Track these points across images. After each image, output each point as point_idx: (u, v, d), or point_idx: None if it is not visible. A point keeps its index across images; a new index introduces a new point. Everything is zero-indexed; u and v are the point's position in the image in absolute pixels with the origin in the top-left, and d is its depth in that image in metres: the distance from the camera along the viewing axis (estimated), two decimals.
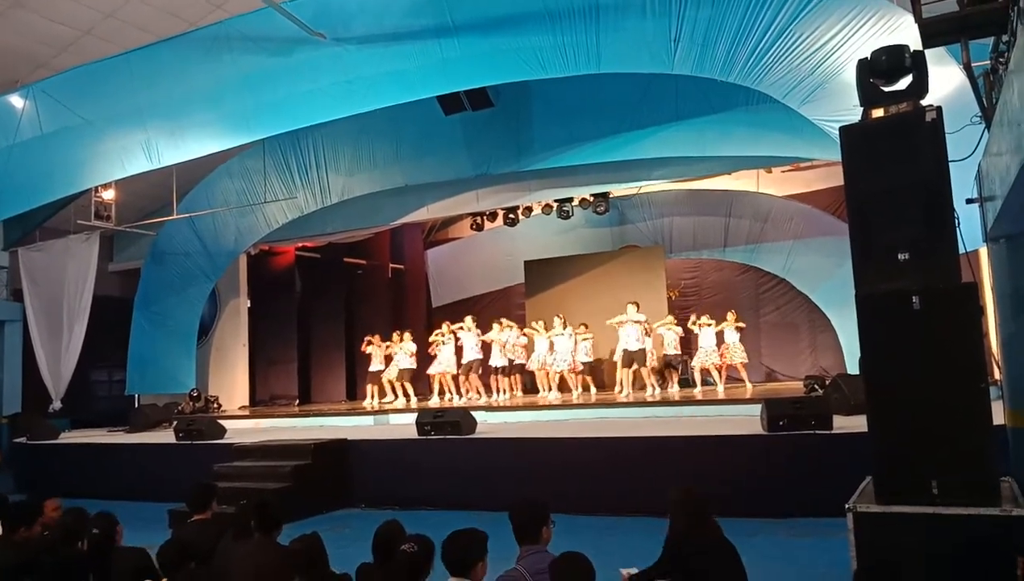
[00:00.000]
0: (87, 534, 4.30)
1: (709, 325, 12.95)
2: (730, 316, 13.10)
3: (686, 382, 13.53)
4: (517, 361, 13.71)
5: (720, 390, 12.59)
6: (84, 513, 4.60)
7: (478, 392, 13.62)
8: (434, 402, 13.41)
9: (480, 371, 13.66)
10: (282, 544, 4.20)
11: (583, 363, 13.24)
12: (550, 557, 3.37)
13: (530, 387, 14.24)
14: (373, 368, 14.21)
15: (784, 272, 14.92)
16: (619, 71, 9.07)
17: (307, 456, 9.55)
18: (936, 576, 3.69)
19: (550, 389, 13.34)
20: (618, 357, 12.85)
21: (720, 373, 12.87)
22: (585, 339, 13.32)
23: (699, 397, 11.93)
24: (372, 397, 14.15)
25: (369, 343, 14.31)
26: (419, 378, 14.46)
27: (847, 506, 3.97)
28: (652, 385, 12.59)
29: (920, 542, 3.77)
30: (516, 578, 3.28)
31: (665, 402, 11.47)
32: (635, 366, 12.45)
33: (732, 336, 12.91)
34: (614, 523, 7.57)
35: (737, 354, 12.88)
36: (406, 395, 14.00)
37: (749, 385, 12.94)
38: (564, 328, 13.20)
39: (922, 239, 4.00)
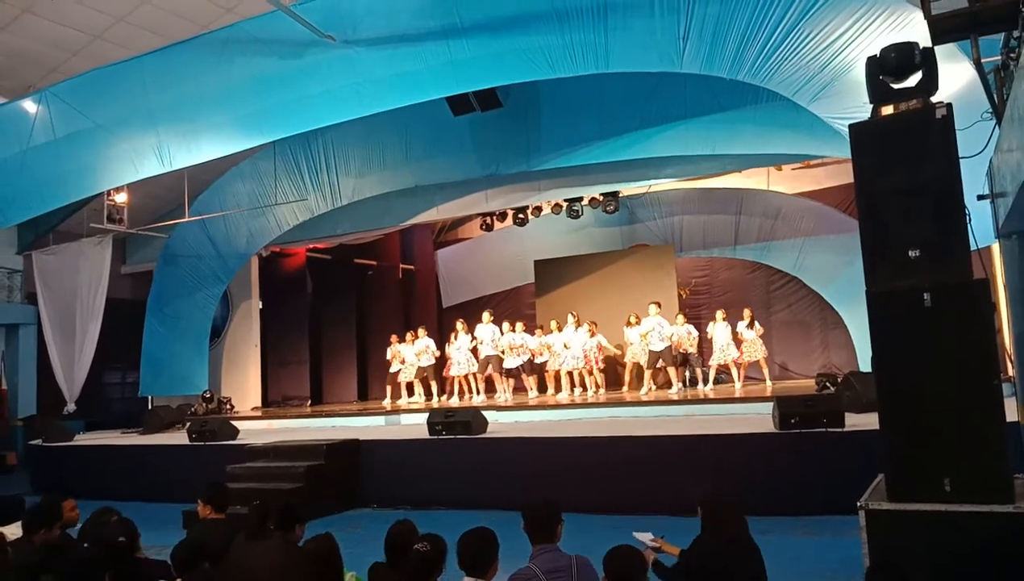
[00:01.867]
0: (113, 540, 4.35)
1: (723, 319, 12.89)
2: (746, 313, 13.01)
3: (694, 381, 13.47)
4: (536, 360, 13.71)
5: (738, 387, 12.57)
6: (112, 512, 4.65)
7: (493, 390, 13.65)
8: (454, 402, 13.48)
9: (499, 370, 13.68)
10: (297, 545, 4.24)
11: (599, 358, 13.26)
12: (563, 556, 3.39)
13: (545, 386, 14.29)
14: (393, 369, 14.38)
15: (795, 270, 14.86)
16: (628, 70, 9.05)
17: (320, 456, 9.58)
18: (949, 574, 3.68)
19: (573, 387, 13.35)
20: (638, 359, 12.88)
21: (739, 370, 12.81)
22: (597, 339, 13.33)
23: (712, 396, 11.92)
24: (392, 397, 14.31)
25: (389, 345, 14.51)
26: (437, 379, 14.57)
27: (859, 504, 3.96)
28: (676, 381, 12.60)
29: (932, 540, 3.77)
30: (529, 577, 3.29)
31: (677, 401, 11.45)
32: (661, 364, 12.48)
33: (749, 334, 12.81)
34: (626, 522, 7.54)
35: (757, 351, 12.77)
36: (428, 393, 14.08)
37: (769, 383, 12.86)
38: (577, 327, 13.18)
39: (933, 236, 3.99)
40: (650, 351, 12.49)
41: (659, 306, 12.68)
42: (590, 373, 13.18)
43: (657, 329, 12.39)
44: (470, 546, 3.28)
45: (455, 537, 3.37)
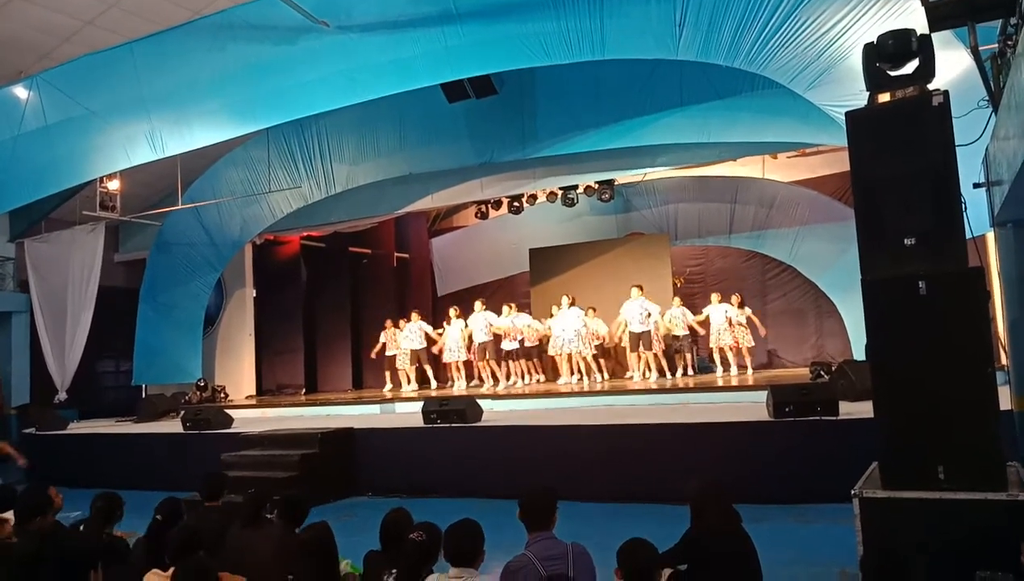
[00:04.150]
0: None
1: (720, 301, 12.94)
2: (734, 299, 13.09)
3: (703, 363, 13.52)
4: (528, 343, 13.70)
5: (733, 372, 12.64)
6: (117, 499, 4.66)
7: (494, 377, 13.65)
8: (459, 387, 13.46)
9: (494, 355, 13.66)
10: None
11: (595, 346, 13.26)
12: (559, 543, 3.39)
13: (547, 370, 14.33)
14: (389, 353, 14.38)
15: (790, 258, 14.89)
16: (623, 57, 9.00)
17: (314, 445, 9.57)
18: (942, 562, 3.69)
19: (572, 373, 13.32)
20: (626, 341, 12.95)
21: (733, 355, 12.86)
22: (594, 321, 13.35)
23: (705, 384, 11.94)
24: (398, 383, 14.28)
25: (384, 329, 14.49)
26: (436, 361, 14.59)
27: (853, 492, 3.96)
28: (663, 369, 12.67)
29: (926, 528, 3.77)
30: (525, 564, 3.30)
31: (671, 389, 11.48)
32: (641, 349, 12.52)
33: (739, 319, 12.88)
34: (620, 510, 7.59)
35: (744, 338, 12.84)
36: (424, 378, 14.09)
37: (750, 371, 12.93)
38: (571, 307, 13.18)
39: (929, 224, 3.98)
40: (630, 333, 12.54)
41: (641, 289, 12.71)
42: (595, 358, 13.17)
43: (638, 310, 12.42)
44: (459, 538, 3.29)
45: (450, 525, 3.37)
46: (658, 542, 3.22)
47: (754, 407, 8.81)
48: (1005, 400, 4.67)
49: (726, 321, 12.78)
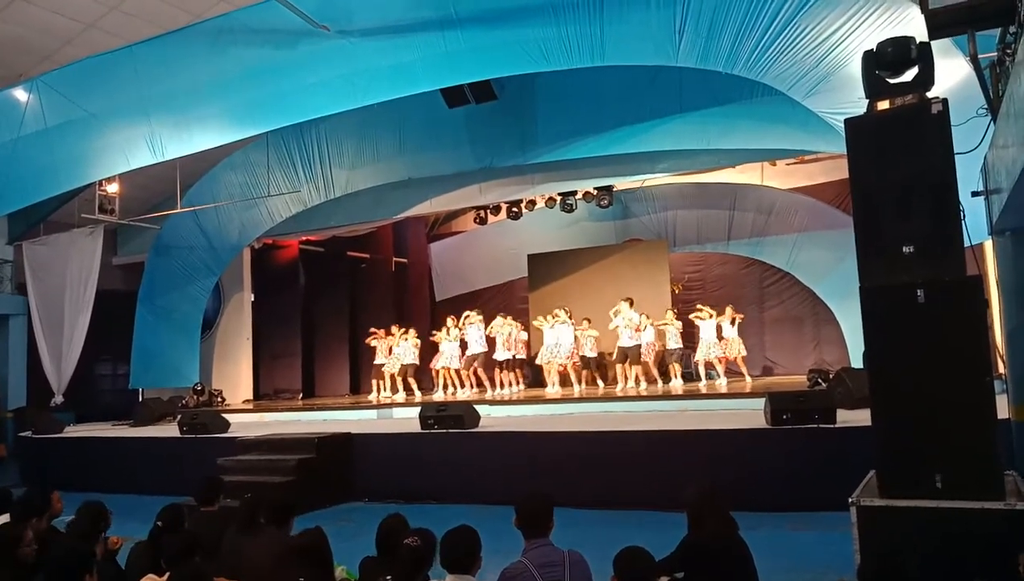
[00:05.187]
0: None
1: (710, 317, 12.92)
2: (728, 310, 13.07)
3: (689, 375, 13.51)
4: (518, 355, 13.65)
5: (723, 383, 12.60)
6: (102, 507, 4.63)
7: (481, 386, 13.57)
8: (438, 396, 13.40)
9: (482, 365, 13.60)
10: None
11: (584, 357, 13.21)
12: (556, 550, 3.37)
13: (534, 381, 14.23)
14: (378, 361, 14.27)
15: (788, 266, 14.89)
16: (623, 63, 9.02)
17: (311, 450, 9.55)
18: (939, 570, 3.68)
19: (553, 384, 13.30)
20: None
21: (723, 366, 12.85)
22: (588, 334, 13.30)
23: (703, 391, 11.93)
24: (377, 391, 14.14)
25: (374, 335, 14.35)
26: (422, 371, 14.49)
27: (850, 500, 3.96)
28: (655, 380, 12.62)
29: (923, 536, 3.76)
30: (522, 571, 3.27)
31: (669, 396, 11.47)
32: (628, 362, 12.46)
33: (730, 331, 12.87)
34: (617, 516, 7.57)
35: (736, 348, 12.83)
36: (408, 389, 14.01)
37: (748, 379, 12.90)
38: (570, 318, 13.14)
39: (927, 232, 3.98)
40: (618, 347, 12.50)
41: (631, 302, 12.66)
42: (574, 368, 13.14)
43: (627, 323, 12.40)
44: (455, 546, 3.26)
45: (446, 531, 3.36)
46: (655, 549, 3.20)
47: (752, 414, 8.80)
48: (1003, 409, 4.66)
49: (716, 334, 12.75)
